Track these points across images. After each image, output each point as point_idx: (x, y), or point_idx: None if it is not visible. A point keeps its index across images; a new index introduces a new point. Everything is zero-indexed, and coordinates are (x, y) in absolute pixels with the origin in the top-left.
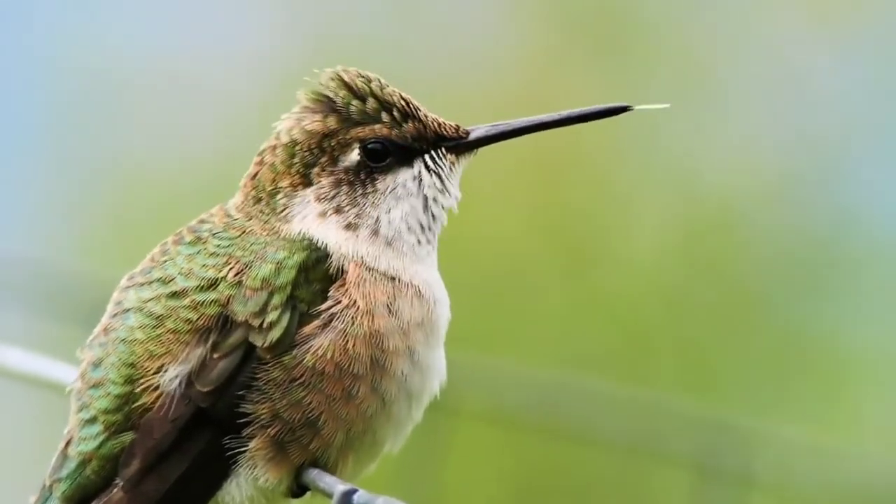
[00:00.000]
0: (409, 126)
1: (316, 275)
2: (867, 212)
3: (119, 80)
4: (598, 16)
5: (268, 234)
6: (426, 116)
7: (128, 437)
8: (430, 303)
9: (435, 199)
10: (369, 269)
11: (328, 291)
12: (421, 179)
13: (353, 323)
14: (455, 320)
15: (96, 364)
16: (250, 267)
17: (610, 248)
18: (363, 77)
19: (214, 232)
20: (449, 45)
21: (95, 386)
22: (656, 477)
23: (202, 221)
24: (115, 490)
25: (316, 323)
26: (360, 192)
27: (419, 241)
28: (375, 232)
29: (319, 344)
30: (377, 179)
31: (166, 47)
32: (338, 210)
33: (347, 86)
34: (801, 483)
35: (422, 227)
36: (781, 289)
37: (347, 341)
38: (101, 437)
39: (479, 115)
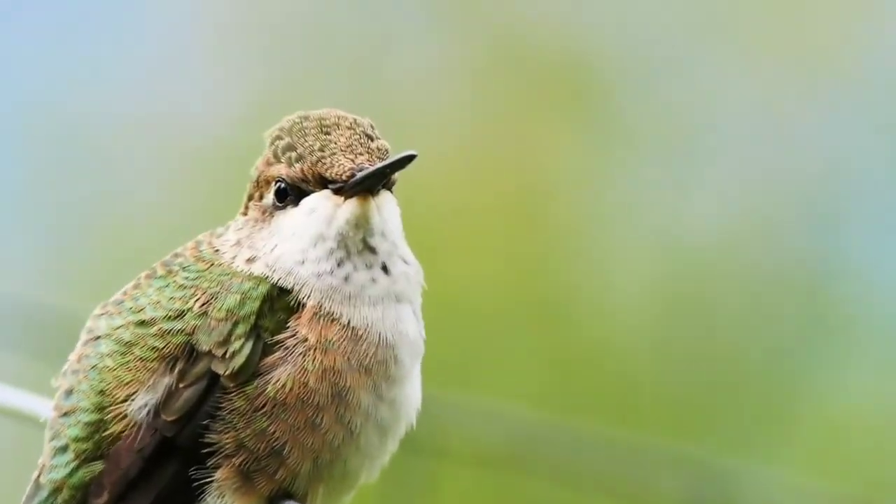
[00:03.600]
0: (298, 167)
1: (280, 305)
2: (850, 261)
3: (89, 119)
4: (569, 69)
5: (225, 265)
6: (318, 160)
7: (98, 465)
8: (380, 343)
9: (322, 238)
10: (321, 308)
11: (289, 322)
12: (299, 220)
13: (306, 357)
14: (438, 362)
15: (69, 392)
16: (216, 298)
17: (591, 294)
18: (301, 116)
19: (185, 265)
20: (408, 106)
21: (67, 414)
22: None
23: (176, 255)
24: None
25: (277, 354)
26: (259, 227)
27: (318, 275)
28: (268, 265)
29: (279, 375)
30: (274, 217)
31: (143, 92)
32: (238, 242)
33: (283, 125)
34: None
35: (317, 261)
36: (764, 335)
37: (305, 374)
38: (72, 466)
39: (464, 167)
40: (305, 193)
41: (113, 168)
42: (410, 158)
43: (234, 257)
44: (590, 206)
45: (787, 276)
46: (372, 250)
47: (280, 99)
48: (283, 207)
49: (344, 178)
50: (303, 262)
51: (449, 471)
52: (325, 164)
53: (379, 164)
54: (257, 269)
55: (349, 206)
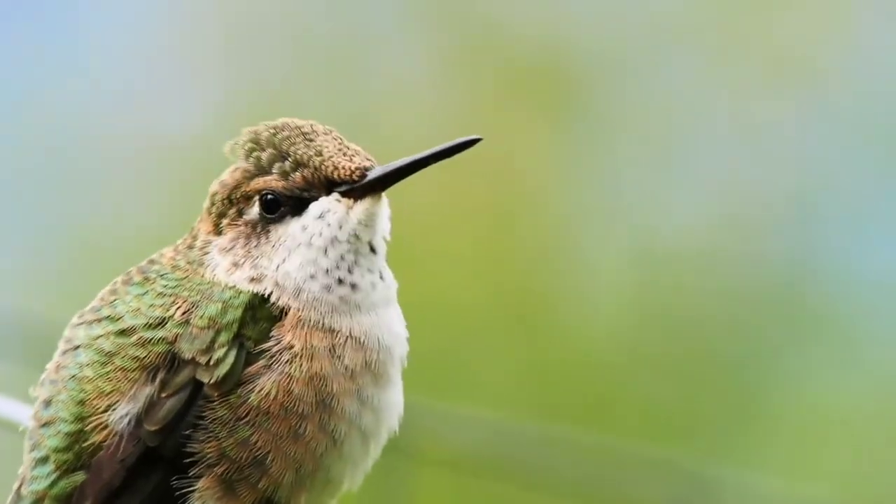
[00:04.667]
0: (297, 176)
1: (262, 313)
2: (825, 263)
3: (58, 122)
4: (547, 69)
5: (202, 277)
6: (320, 164)
7: (80, 476)
8: (375, 350)
9: (333, 243)
10: (304, 316)
11: (272, 331)
12: (310, 227)
13: (293, 364)
14: (413, 367)
15: (48, 402)
16: (197, 306)
17: (568, 298)
18: (273, 127)
19: (162, 273)
20: (388, 112)
21: (46, 424)
22: None
23: (151, 262)
24: None
25: (261, 363)
26: (255, 244)
27: (328, 287)
28: (277, 283)
29: (263, 383)
30: (270, 231)
31: (117, 95)
32: (235, 264)
33: (253, 137)
34: None
35: (327, 271)
36: (742, 338)
37: (290, 382)
38: (53, 477)
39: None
40: (304, 201)
41: (84, 172)
42: (471, 143)
43: (230, 281)
44: (567, 208)
45: (763, 278)
46: (374, 252)
47: (254, 98)
48: (279, 219)
49: (354, 178)
50: (313, 275)
51: (425, 475)
52: (329, 167)
53: (420, 155)
54: (264, 289)
55: (361, 207)
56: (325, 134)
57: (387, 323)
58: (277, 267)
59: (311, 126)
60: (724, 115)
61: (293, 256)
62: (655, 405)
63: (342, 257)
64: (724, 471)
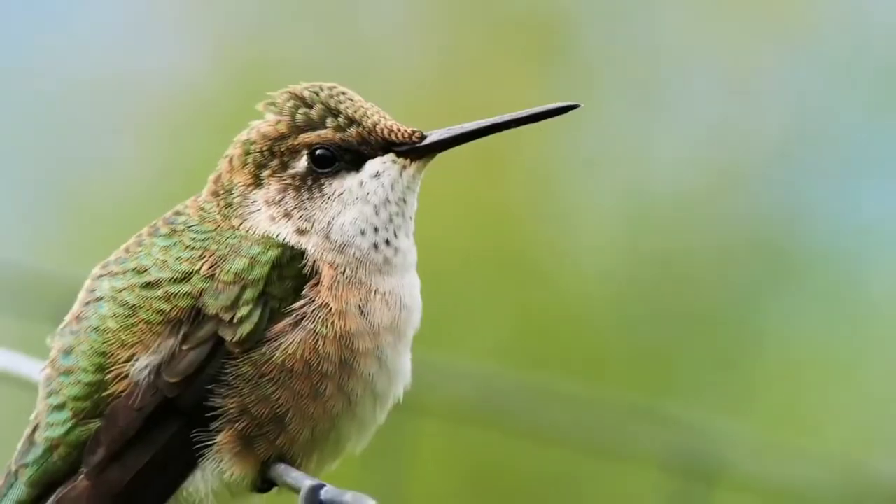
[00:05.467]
0: (352, 131)
1: (290, 272)
2: (812, 211)
3: (63, 82)
4: (532, 21)
5: (235, 230)
6: (376, 123)
7: (96, 424)
8: (398, 309)
9: (385, 203)
10: (342, 273)
11: (301, 290)
12: (367, 184)
13: (324, 323)
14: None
15: (67, 351)
16: (224, 261)
17: (558, 247)
18: (313, 86)
19: (189, 225)
20: (376, 59)
21: (66, 373)
22: (615, 473)
23: (177, 213)
24: (80, 477)
25: (287, 321)
26: (307, 196)
27: (376, 246)
28: (327, 237)
29: (290, 341)
30: (324, 185)
31: (115, 53)
32: (287, 214)
33: (296, 95)
34: (760, 482)
35: (376, 230)
36: (730, 286)
37: (318, 341)
38: (69, 424)
39: (427, 113)
40: (361, 157)
41: (87, 130)
42: (567, 108)
43: (274, 231)
44: (555, 157)
45: (751, 225)
46: (411, 218)
47: (250, 55)
48: (334, 174)
49: (414, 139)
50: (364, 231)
51: (423, 427)
52: (385, 127)
53: (486, 122)
54: (309, 243)
55: (412, 170)
56: (359, 99)
57: (409, 286)
58: (330, 221)
59: (345, 90)
60: (712, 61)
61: (348, 210)
62: (644, 355)
63: (391, 219)
64: (711, 420)
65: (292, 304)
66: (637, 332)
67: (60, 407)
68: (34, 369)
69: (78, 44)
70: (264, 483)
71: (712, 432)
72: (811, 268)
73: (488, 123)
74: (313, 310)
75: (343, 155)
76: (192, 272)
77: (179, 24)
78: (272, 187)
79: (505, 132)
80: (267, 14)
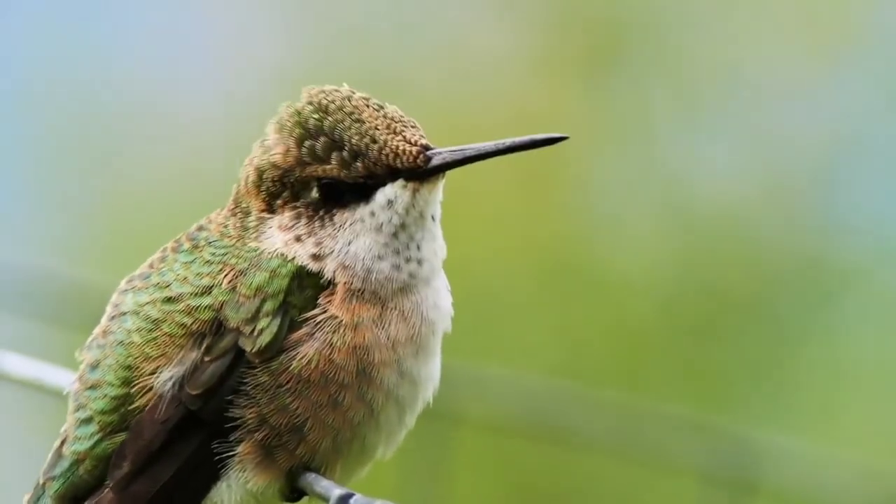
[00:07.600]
0: (358, 165)
1: (310, 282)
2: (856, 224)
3: (100, 91)
4: (580, 27)
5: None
6: (381, 149)
7: (121, 437)
8: (418, 323)
9: (402, 228)
10: (359, 291)
11: (318, 299)
12: (378, 214)
13: (337, 334)
14: (452, 333)
15: (94, 366)
16: (244, 274)
17: (605, 261)
18: (321, 105)
19: (210, 240)
20: (444, 53)
21: (93, 387)
22: (658, 484)
23: (201, 228)
24: (106, 490)
25: (304, 330)
26: (320, 225)
27: (398, 266)
28: (343, 264)
29: (305, 352)
30: (335, 215)
31: (153, 63)
32: (299, 240)
33: (301, 123)
34: (799, 491)
35: (397, 252)
36: (775, 300)
37: (333, 351)
38: (96, 438)
39: (473, 123)
40: (368, 188)
41: (124, 139)
42: (551, 141)
43: (290, 253)
44: (601, 171)
45: (798, 235)
46: (434, 220)
47: (295, 71)
48: (345, 205)
49: (419, 163)
50: (381, 256)
51: (465, 438)
52: (389, 154)
53: (490, 146)
54: (327, 268)
55: (427, 190)
56: (368, 107)
57: (433, 296)
58: (343, 248)
59: (350, 99)
60: (759, 71)
61: (360, 239)
62: (689, 365)
63: (412, 237)
64: (758, 432)
65: (309, 313)
66: (682, 341)
67: (87, 421)
68: (68, 380)
69: (118, 51)
70: (293, 492)
71: (756, 444)
72: (857, 280)
73: (492, 149)
74: (326, 320)
75: (350, 188)
76: (212, 286)
77: (222, 34)
78: (286, 215)
79: (554, 147)
80: (312, 25)
